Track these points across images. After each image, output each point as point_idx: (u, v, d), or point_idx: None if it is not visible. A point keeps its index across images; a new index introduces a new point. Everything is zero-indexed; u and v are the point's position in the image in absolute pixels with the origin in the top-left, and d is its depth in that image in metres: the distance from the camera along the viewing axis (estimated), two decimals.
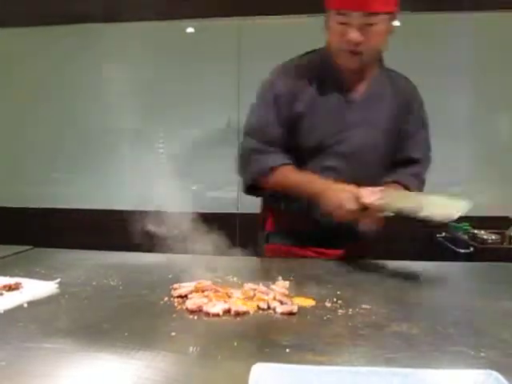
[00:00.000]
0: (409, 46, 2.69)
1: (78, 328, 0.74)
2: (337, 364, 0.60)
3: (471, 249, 2.30)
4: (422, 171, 1.38)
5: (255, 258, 1.25)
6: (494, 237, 2.35)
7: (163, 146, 2.96)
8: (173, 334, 0.71)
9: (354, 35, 1.14)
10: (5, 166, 3.05)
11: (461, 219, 2.68)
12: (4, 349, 0.65)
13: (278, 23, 2.74)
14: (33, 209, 2.97)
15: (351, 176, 1.20)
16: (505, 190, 2.71)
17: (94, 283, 0.97)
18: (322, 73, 1.29)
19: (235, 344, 0.67)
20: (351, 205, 1.09)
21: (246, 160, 1.32)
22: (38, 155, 3.03)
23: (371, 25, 1.14)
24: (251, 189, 1.35)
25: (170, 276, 1.01)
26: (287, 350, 0.65)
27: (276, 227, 1.38)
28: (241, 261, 1.15)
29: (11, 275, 0.96)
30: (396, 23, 2.95)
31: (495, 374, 0.52)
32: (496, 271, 1.17)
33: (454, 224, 2.57)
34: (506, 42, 2.66)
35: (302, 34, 2.81)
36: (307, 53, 1.36)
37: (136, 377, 0.57)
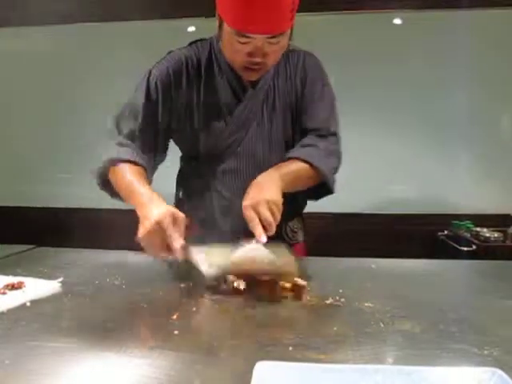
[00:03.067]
0: (409, 44, 2.69)
1: (80, 327, 0.74)
2: (340, 362, 0.60)
3: (474, 247, 2.29)
4: (318, 141, 1.17)
5: None
6: (496, 235, 2.34)
7: None
8: (176, 332, 0.71)
9: (256, 57, 1.04)
10: (6, 166, 3.05)
11: (463, 217, 2.69)
12: (7, 348, 0.65)
13: None
14: (35, 208, 2.98)
15: (254, 176, 1.07)
16: (507, 188, 2.71)
17: (96, 282, 0.97)
18: (210, 65, 1.18)
19: (238, 342, 0.67)
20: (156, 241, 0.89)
21: (102, 148, 1.14)
22: (40, 155, 3.04)
23: (272, 43, 1.03)
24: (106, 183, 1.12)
25: (171, 275, 1.01)
26: (290, 348, 0.65)
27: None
28: None
29: (14, 274, 0.96)
30: (397, 21, 2.95)
31: (499, 371, 0.52)
32: (498, 269, 1.16)
33: (456, 222, 2.57)
34: (508, 40, 2.65)
35: (302, 33, 2.82)
36: (197, 40, 1.23)
37: (139, 375, 0.57)
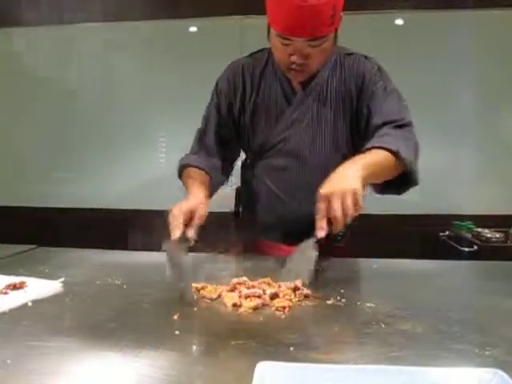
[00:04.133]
0: (411, 45, 2.69)
1: (82, 326, 0.74)
2: (341, 362, 0.60)
3: (475, 247, 2.29)
4: (393, 131, 1.16)
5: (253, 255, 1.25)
6: (497, 235, 2.34)
7: (165, 145, 2.97)
8: (177, 332, 0.71)
9: (297, 59, 1.11)
10: (8, 166, 3.06)
11: (465, 218, 2.69)
12: (9, 347, 0.65)
13: None
14: (37, 208, 2.98)
15: (303, 175, 1.20)
16: (509, 189, 2.70)
17: (97, 282, 0.97)
18: (266, 71, 1.28)
19: (239, 343, 0.67)
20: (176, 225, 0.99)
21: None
22: (41, 155, 3.04)
23: (314, 46, 1.09)
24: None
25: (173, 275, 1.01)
26: (291, 349, 0.65)
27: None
28: (246, 259, 1.15)
29: (15, 274, 0.96)
30: (399, 22, 2.95)
31: (500, 372, 0.52)
32: (500, 270, 1.16)
33: (457, 222, 2.57)
34: (509, 40, 2.65)
35: None
36: (259, 51, 1.34)
37: (139, 375, 0.57)
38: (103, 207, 2.86)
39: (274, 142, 1.27)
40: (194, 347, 0.65)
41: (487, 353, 0.63)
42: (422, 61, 2.66)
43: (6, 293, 0.86)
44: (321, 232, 0.93)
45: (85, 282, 0.97)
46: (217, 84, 1.33)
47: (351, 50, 1.29)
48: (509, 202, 2.68)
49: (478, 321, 0.76)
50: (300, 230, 1.10)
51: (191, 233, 1.00)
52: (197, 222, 1.02)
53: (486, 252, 2.26)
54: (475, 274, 1.14)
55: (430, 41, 2.66)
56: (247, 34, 2.71)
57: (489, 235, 2.34)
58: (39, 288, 0.90)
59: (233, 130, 1.33)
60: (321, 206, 0.94)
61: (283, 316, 0.77)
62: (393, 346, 0.66)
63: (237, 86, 1.29)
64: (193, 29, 2.89)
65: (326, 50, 1.14)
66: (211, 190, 1.23)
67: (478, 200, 2.68)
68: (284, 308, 0.79)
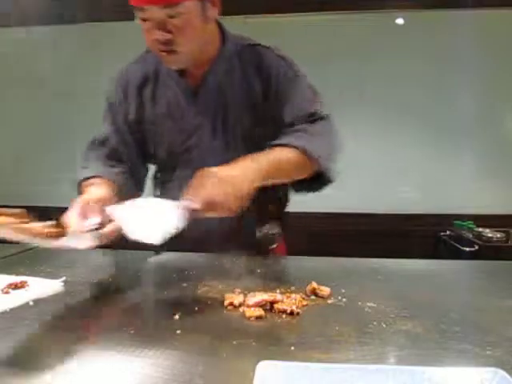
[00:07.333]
0: (412, 44, 2.69)
1: (83, 326, 0.74)
2: (342, 362, 0.60)
3: (476, 247, 2.29)
4: (307, 126, 1.07)
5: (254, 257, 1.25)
6: (498, 235, 2.34)
7: None
8: (178, 331, 0.71)
9: (157, 33, 0.98)
10: (8, 166, 3.06)
11: (465, 217, 2.69)
12: (10, 347, 0.65)
13: (286, 22, 2.74)
14: (37, 207, 2.98)
15: None
16: (510, 188, 2.70)
17: (98, 281, 0.98)
18: (160, 73, 1.15)
19: (240, 342, 0.67)
20: None
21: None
22: (41, 155, 3.04)
23: (173, 17, 0.96)
24: None
25: (174, 275, 1.01)
26: (292, 348, 0.65)
27: None
28: (247, 260, 1.15)
29: (17, 274, 0.96)
30: (400, 21, 2.95)
31: (501, 372, 0.52)
32: (501, 269, 1.16)
33: (458, 222, 2.57)
34: (510, 39, 2.65)
35: (308, 33, 2.82)
36: (147, 52, 1.20)
37: (141, 374, 0.58)
38: None
39: (178, 151, 1.14)
40: (195, 347, 0.65)
41: (488, 352, 0.63)
42: (423, 60, 2.65)
43: (7, 292, 0.87)
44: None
45: (86, 281, 0.98)
46: (107, 94, 1.20)
47: (254, 40, 1.16)
48: (510, 202, 2.68)
49: (479, 320, 0.76)
50: (224, 241, 1.10)
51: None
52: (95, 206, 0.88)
53: (487, 252, 2.26)
54: (476, 273, 1.14)
55: (431, 40, 2.66)
56: (250, 34, 2.70)
57: (490, 235, 2.34)
58: (40, 287, 0.90)
59: (132, 145, 1.19)
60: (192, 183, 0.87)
61: (284, 315, 0.78)
62: (394, 346, 0.66)
63: (130, 95, 1.16)
64: None
65: (192, 24, 0.99)
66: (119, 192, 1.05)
67: (478, 199, 2.67)
68: (285, 311, 0.79)
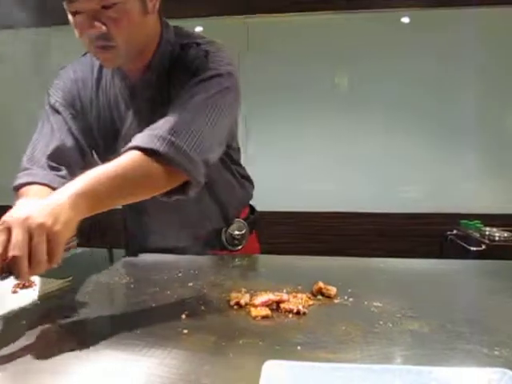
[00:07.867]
0: (417, 43, 2.67)
1: (89, 325, 0.75)
2: (348, 361, 0.60)
3: (483, 246, 2.28)
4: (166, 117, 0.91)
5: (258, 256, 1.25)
6: (505, 234, 2.33)
7: None
8: (185, 331, 0.71)
9: (91, 27, 0.88)
10: (8, 166, 3.07)
11: (472, 217, 2.67)
12: (18, 346, 0.66)
13: (286, 21, 2.74)
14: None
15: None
16: None
17: (105, 281, 0.98)
18: (102, 75, 1.09)
19: (246, 342, 0.67)
20: None
21: None
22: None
23: (108, 7, 0.87)
24: None
25: (179, 274, 1.02)
26: (298, 348, 0.65)
27: None
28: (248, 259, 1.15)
29: None
30: (405, 20, 2.94)
31: (510, 372, 0.52)
32: (508, 269, 1.15)
33: (465, 221, 2.56)
34: None
35: (310, 32, 2.82)
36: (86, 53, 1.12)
37: (148, 374, 0.58)
38: None
39: (117, 153, 0.99)
40: (202, 346, 0.66)
41: (496, 353, 0.63)
42: (428, 60, 2.64)
43: (15, 292, 0.88)
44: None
45: (92, 280, 0.98)
46: (47, 97, 1.10)
47: (203, 39, 1.06)
48: None
49: (487, 320, 0.76)
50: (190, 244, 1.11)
51: None
52: None
53: (494, 251, 2.25)
54: (483, 273, 1.13)
55: (436, 39, 2.64)
56: (252, 34, 2.71)
57: (497, 234, 2.33)
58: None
59: (75, 148, 1.08)
60: None
61: (290, 315, 0.78)
62: (400, 346, 0.65)
63: (73, 98, 1.09)
64: (199, 29, 2.89)
65: (129, 15, 0.90)
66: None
67: (485, 199, 2.66)
68: (291, 310, 0.79)
